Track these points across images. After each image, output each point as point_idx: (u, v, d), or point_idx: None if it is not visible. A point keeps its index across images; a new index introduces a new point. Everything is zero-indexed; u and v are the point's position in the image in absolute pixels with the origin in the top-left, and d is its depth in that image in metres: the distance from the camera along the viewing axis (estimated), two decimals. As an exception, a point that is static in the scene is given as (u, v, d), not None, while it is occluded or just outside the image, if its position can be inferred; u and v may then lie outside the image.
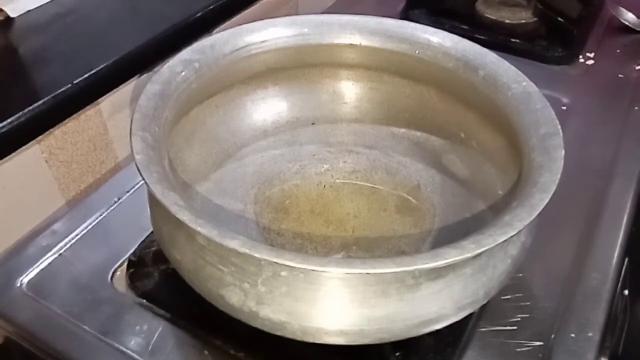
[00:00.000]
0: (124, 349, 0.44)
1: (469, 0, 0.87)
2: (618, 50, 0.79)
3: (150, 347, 0.44)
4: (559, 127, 0.43)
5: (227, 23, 0.71)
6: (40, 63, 0.57)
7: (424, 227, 0.52)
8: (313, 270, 0.35)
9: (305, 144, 0.58)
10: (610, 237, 0.52)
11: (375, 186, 0.56)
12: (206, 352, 0.44)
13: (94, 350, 0.44)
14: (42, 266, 0.50)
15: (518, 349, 0.44)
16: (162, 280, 0.48)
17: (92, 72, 0.55)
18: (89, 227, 0.53)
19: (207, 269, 0.39)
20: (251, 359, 0.43)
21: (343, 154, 0.58)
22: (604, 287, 0.48)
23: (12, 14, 0.61)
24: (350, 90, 0.58)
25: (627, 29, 0.82)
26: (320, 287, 0.36)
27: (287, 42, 0.54)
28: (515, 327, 0.45)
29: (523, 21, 0.83)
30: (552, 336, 0.45)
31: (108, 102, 0.61)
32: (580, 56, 0.77)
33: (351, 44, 0.55)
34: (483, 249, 0.34)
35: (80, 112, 0.57)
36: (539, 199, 0.37)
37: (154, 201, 0.44)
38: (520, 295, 0.47)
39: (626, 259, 0.52)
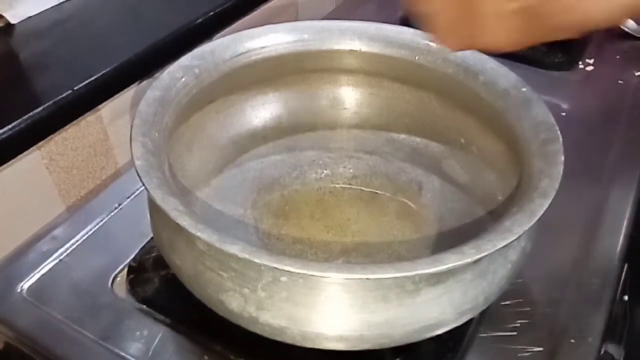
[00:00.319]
0: (124, 355, 0.44)
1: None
2: (618, 57, 0.79)
3: (150, 353, 0.44)
4: (559, 132, 0.43)
5: (228, 29, 0.71)
6: (40, 69, 0.57)
7: (424, 233, 0.52)
8: (313, 275, 0.35)
9: (305, 150, 0.58)
10: (610, 243, 0.52)
11: (375, 192, 0.56)
12: (206, 357, 0.44)
13: (94, 356, 0.44)
14: (43, 272, 0.50)
15: (518, 355, 0.44)
16: (162, 286, 0.48)
17: (93, 78, 0.55)
18: (90, 232, 0.53)
19: (207, 275, 0.39)
20: (251, 365, 0.43)
21: (343, 160, 0.58)
22: (604, 293, 0.48)
23: (13, 20, 0.61)
24: (350, 96, 0.58)
25: (626, 35, 0.82)
26: (320, 293, 0.36)
27: (287, 48, 0.54)
28: (515, 333, 0.45)
29: (522, 27, 0.83)
30: (552, 342, 0.45)
31: (108, 108, 0.61)
32: (580, 62, 0.77)
33: (351, 50, 0.55)
34: (483, 255, 0.34)
35: (80, 118, 0.57)
36: (539, 205, 0.37)
37: (154, 207, 0.44)
38: (520, 300, 0.47)
39: (626, 265, 0.52)
